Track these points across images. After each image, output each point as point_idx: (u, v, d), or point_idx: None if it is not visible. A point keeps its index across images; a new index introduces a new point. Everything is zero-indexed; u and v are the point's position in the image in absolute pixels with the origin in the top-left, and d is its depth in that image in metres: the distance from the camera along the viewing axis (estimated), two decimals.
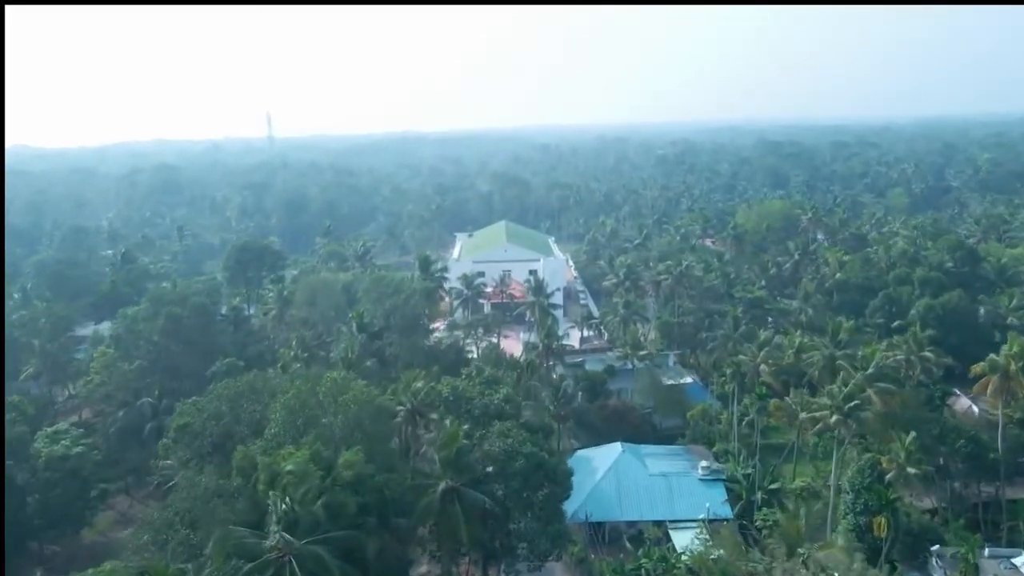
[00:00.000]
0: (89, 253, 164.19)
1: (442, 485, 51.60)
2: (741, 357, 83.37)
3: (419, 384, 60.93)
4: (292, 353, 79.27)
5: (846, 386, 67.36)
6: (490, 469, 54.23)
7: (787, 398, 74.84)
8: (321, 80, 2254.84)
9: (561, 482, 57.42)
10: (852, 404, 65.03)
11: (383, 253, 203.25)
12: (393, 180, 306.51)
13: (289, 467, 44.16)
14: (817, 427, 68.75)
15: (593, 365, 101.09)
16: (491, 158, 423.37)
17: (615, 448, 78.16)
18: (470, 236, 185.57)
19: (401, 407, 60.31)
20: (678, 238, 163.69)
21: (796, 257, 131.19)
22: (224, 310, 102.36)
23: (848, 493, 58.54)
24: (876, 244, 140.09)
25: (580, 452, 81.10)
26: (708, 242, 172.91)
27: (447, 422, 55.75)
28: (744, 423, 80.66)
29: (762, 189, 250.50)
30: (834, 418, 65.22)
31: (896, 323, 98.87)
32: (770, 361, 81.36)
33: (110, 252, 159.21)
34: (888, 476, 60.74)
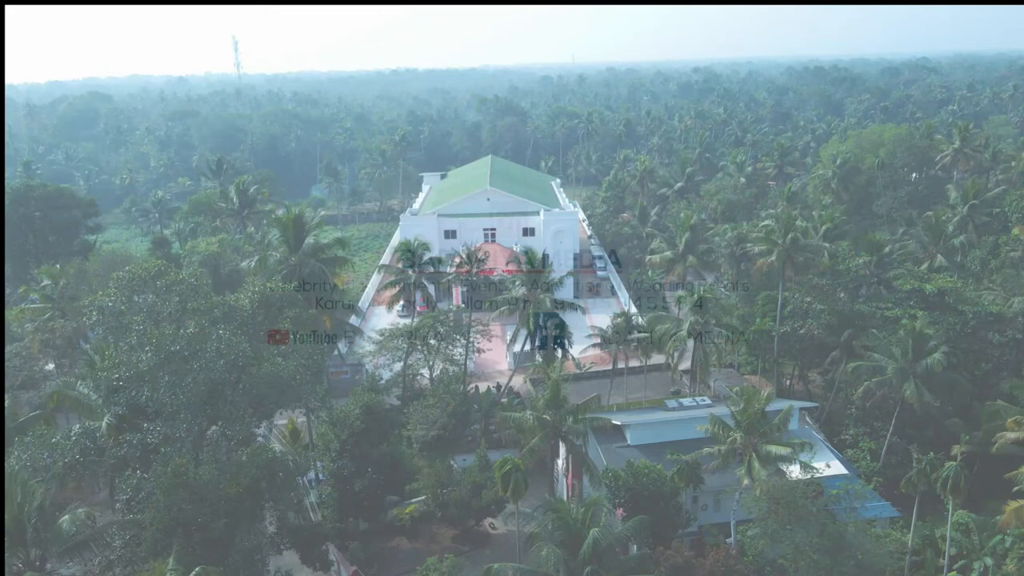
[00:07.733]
0: None
1: None
2: None
3: None
4: None
5: None
6: None
7: None
8: (310, 16, 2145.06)
9: None
10: None
11: (330, 202, 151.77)
12: (363, 111, 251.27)
13: None
14: None
15: (643, 434, 50.80)
16: (486, 91, 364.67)
17: None
18: (443, 177, 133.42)
19: None
20: (742, 180, 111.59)
21: (964, 211, 79.65)
22: None
23: None
24: None
25: None
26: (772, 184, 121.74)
27: None
28: None
29: (824, 118, 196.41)
30: None
31: None
32: None
33: None
34: None
